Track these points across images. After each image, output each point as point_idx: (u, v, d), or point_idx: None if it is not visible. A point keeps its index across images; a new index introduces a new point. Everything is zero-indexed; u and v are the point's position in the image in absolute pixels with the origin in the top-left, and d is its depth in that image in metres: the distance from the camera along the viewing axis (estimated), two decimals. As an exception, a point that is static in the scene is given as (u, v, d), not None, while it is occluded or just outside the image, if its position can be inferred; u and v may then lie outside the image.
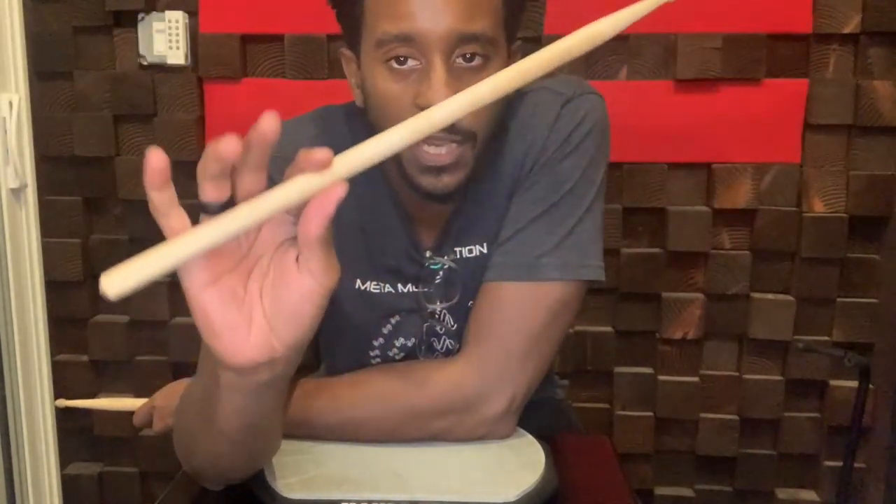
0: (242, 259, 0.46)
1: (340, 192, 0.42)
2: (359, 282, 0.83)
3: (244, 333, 0.46)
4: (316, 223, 0.42)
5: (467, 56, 0.68)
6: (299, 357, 0.51)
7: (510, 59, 0.75)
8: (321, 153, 0.41)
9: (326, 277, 0.45)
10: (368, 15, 0.71)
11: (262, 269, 0.47)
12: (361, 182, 0.84)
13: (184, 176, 1.74)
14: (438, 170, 0.71)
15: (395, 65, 0.69)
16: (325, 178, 0.41)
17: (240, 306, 0.46)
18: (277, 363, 0.48)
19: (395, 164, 0.74)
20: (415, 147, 0.69)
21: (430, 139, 0.68)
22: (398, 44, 0.68)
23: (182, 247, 0.40)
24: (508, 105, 0.80)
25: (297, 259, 0.45)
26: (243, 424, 0.56)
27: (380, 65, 0.70)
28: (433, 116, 0.44)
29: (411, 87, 0.68)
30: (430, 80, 0.67)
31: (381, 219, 0.81)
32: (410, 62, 0.68)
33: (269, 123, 0.40)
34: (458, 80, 0.67)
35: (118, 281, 0.37)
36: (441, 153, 0.69)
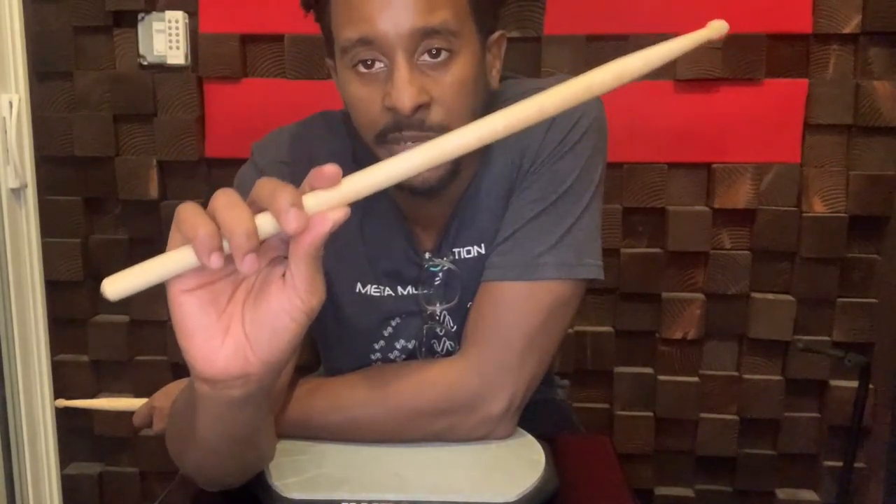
0: (232, 272, 0.46)
1: (340, 215, 0.42)
2: (359, 285, 0.83)
3: (217, 342, 0.46)
4: (308, 240, 0.43)
5: (433, 52, 0.68)
6: (275, 377, 0.50)
7: (487, 52, 0.75)
8: (330, 169, 0.42)
9: (310, 296, 0.45)
10: (333, 23, 0.71)
11: (248, 285, 0.47)
12: None
13: (183, 176, 1.75)
14: None
15: (362, 69, 0.69)
16: (330, 196, 0.42)
17: (219, 315, 0.46)
18: (251, 379, 0.48)
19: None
20: (390, 146, 0.70)
21: (401, 137, 0.69)
22: (361, 48, 0.68)
23: (182, 257, 0.42)
24: (505, 105, 0.80)
25: (283, 275, 0.45)
26: (223, 435, 0.56)
27: (348, 71, 0.70)
28: (445, 145, 0.44)
29: (380, 90, 0.69)
30: (393, 80, 0.67)
31: (380, 222, 0.81)
32: (377, 65, 0.69)
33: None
34: (424, 76, 0.68)
35: (119, 284, 0.40)
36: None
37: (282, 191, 0.41)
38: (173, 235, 0.43)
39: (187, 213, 0.42)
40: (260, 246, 0.42)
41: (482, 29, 0.73)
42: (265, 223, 0.42)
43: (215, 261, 0.41)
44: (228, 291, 0.47)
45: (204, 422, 0.54)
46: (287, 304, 0.45)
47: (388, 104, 0.67)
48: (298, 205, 0.41)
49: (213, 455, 0.59)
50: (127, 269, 0.41)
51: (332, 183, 0.42)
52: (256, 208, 0.43)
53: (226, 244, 0.41)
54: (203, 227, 0.41)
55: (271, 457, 0.69)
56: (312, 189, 0.43)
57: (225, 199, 0.42)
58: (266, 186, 0.42)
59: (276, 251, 0.46)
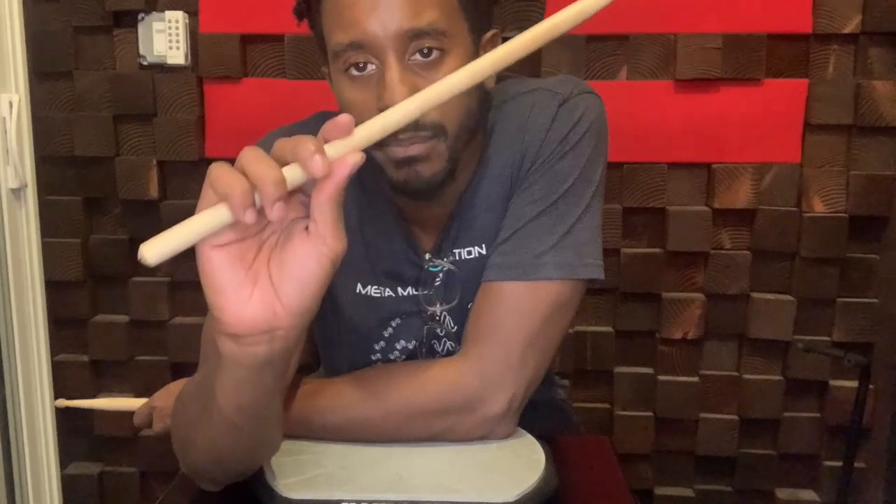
0: (257, 232, 0.49)
1: (357, 158, 0.45)
2: (359, 286, 0.83)
3: (246, 293, 0.48)
4: (331, 185, 0.45)
5: (424, 51, 0.69)
6: (299, 338, 0.52)
7: (481, 51, 0.75)
8: (344, 118, 0.45)
9: (335, 241, 0.47)
10: (325, 29, 0.72)
11: (272, 244, 0.49)
12: (360, 188, 0.84)
13: (183, 176, 1.74)
14: (411, 161, 0.71)
15: (354, 72, 0.70)
16: (346, 143, 0.46)
17: (246, 269, 0.48)
18: (277, 334, 0.49)
19: (380, 170, 0.74)
20: (385, 146, 0.70)
21: (396, 139, 0.69)
22: (352, 51, 0.69)
23: (217, 215, 0.44)
24: (505, 105, 0.80)
25: (306, 228, 0.48)
26: (241, 403, 0.56)
27: (341, 75, 0.71)
28: (438, 89, 0.48)
29: (373, 93, 0.69)
30: (385, 81, 0.67)
31: (381, 223, 0.82)
32: (369, 68, 0.69)
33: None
34: (416, 76, 0.68)
35: (157, 247, 0.43)
36: (411, 147, 0.70)
37: (304, 141, 0.44)
38: (206, 193, 0.46)
39: (220, 172, 0.44)
40: (287, 196, 0.44)
41: (475, 28, 0.73)
42: (290, 174, 0.44)
43: (250, 216, 0.43)
44: (254, 250, 0.49)
45: (223, 389, 0.55)
46: (314, 252, 0.47)
47: (380, 105, 0.68)
48: (321, 151, 0.44)
49: (227, 430, 0.59)
50: (162, 233, 0.43)
51: (347, 132, 0.45)
52: (280, 165, 0.45)
53: (256, 198, 0.43)
54: (238, 184, 0.43)
55: (278, 445, 0.68)
56: (327, 141, 0.46)
57: (252, 155, 0.45)
58: (287, 142, 0.45)
59: (296, 212, 0.48)
